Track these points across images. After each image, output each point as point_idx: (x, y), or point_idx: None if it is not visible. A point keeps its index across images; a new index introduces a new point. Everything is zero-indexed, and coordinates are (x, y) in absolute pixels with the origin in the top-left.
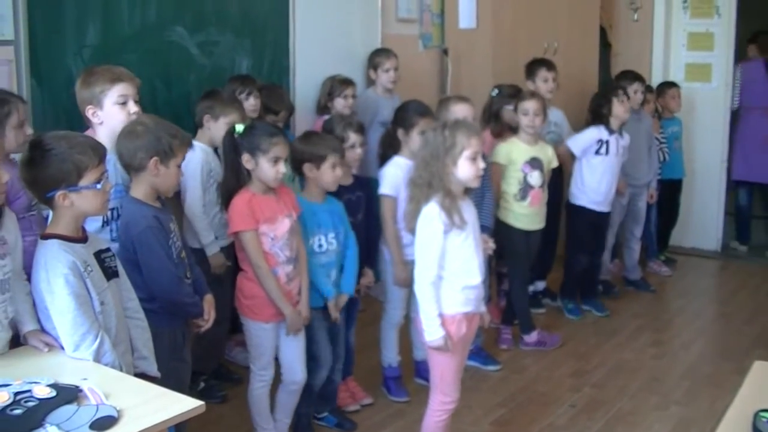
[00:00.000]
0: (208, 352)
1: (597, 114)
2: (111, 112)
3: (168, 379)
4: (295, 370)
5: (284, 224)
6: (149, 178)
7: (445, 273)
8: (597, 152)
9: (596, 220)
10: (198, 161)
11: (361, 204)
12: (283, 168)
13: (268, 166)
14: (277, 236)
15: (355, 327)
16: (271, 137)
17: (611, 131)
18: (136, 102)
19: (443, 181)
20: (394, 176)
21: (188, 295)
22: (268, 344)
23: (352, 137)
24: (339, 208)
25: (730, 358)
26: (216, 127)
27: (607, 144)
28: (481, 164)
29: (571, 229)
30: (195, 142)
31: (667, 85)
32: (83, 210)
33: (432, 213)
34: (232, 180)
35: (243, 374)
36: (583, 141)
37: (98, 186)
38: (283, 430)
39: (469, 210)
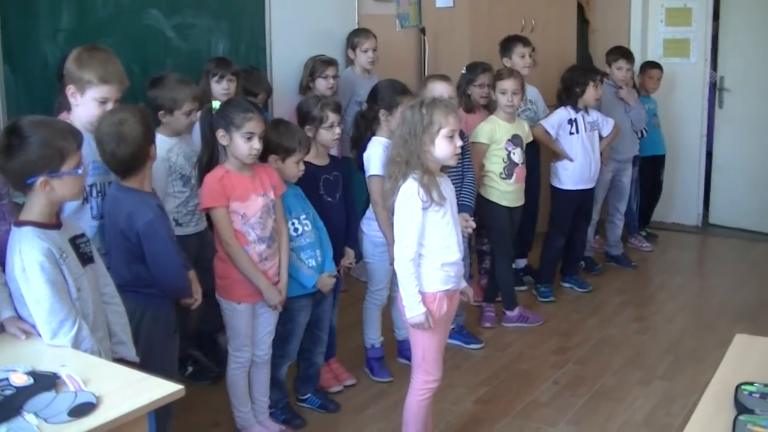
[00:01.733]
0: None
1: (568, 90)
2: (88, 106)
3: (165, 358)
4: (260, 345)
5: (256, 203)
6: (148, 165)
7: (424, 250)
8: (570, 132)
9: (580, 198)
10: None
11: (339, 183)
12: (257, 144)
13: (241, 141)
14: (248, 215)
15: (337, 307)
16: (245, 113)
17: (577, 110)
18: (115, 102)
19: (421, 159)
20: (381, 156)
21: (186, 278)
22: (242, 325)
23: (331, 117)
24: (300, 191)
25: (712, 332)
26: (175, 120)
27: (575, 122)
28: (459, 142)
29: (554, 213)
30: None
31: (650, 65)
32: (62, 195)
33: (410, 190)
34: (206, 156)
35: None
36: (553, 120)
37: (79, 171)
38: (263, 409)
39: (447, 187)
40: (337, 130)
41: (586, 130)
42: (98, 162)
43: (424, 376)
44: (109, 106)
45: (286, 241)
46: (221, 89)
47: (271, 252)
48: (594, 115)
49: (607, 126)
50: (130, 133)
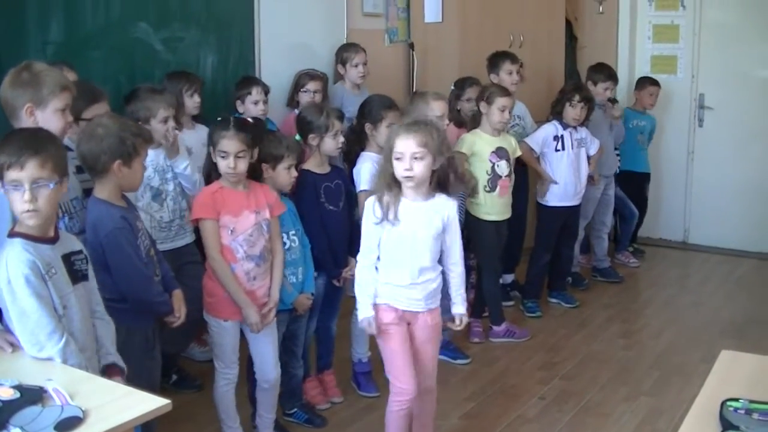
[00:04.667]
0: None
1: (555, 105)
2: (52, 118)
3: (141, 378)
4: (265, 370)
5: (248, 219)
6: (113, 179)
7: (378, 263)
8: (556, 149)
9: (565, 215)
10: None
11: (342, 191)
12: (231, 163)
13: (219, 160)
14: (237, 230)
15: (337, 317)
16: (222, 131)
17: (565, 126)
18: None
19: (385, 176)
20: (371, 171)
21: (158, 294)
22: (229, 342)
23: (336, 124)
24: (292, 206)
25: (698, 348)
26: (153, 129)
27: (562, 139)
28: (406, 164)
29: (540, 229)
30: None
31: (649, 81)
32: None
33: (369, 203)
34: (205, 171)
35: (197, 371)
36: (538, 137)
37: (1, 190)
38: (267, 424)
39: (413, 211)
40: (341, 138)
41: (572, 147)
42: None
43: (395, 382)
44: (68, 114)
45: (280, 262)
46: (193, 104)
47: (260, 271)
48: (582, 133)
49: (594, 146)
50: (99, 134)
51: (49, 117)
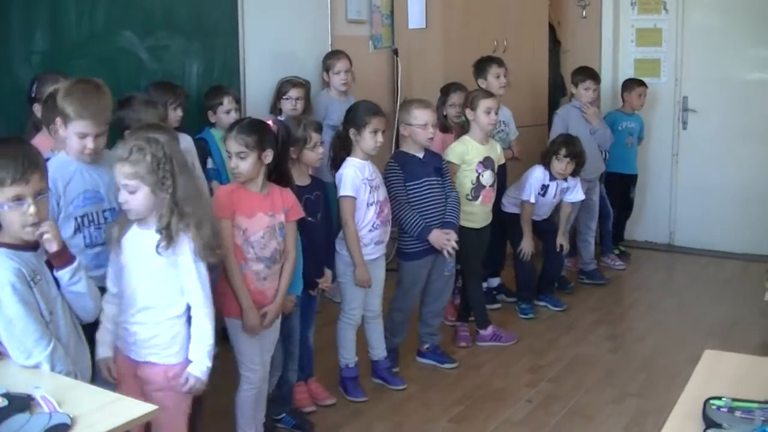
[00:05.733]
0: None
1: (543, 158)
2: (71, 139)
3: None
4: (251, 368)
5: (261, 221)
6: None
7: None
8: (539, 193)
9: (541, 226)
10: None
11: (320, 203)
12: (232, 163)
13: (227, 159)
14: (250, 231)
15: (314, 327)
16: (228, 132)
17: (553, 177)
18: (96, 138)
19: None
20: (352, 177)
21: None
22: (247, 343)
23: (314, 137)
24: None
25: (684, 349)
26: None
27: (547, 188)
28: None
29: (515, 239)
30: None
31: (636, 83)
32: (7, 227)
33: None
34: None
35: None
36: (531, 188)
37: (4, 207)
38: (257, 428)
39: (137, 241)
40: (320, 149)
41: (554, 196)
42: (90, 192)
43: None
44: (89, 140)
45: (290, 267)
46: (176, 116)
47: (270, 272)
48: (572, 183)
49: (574, 195)
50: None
51: (69, 136)
